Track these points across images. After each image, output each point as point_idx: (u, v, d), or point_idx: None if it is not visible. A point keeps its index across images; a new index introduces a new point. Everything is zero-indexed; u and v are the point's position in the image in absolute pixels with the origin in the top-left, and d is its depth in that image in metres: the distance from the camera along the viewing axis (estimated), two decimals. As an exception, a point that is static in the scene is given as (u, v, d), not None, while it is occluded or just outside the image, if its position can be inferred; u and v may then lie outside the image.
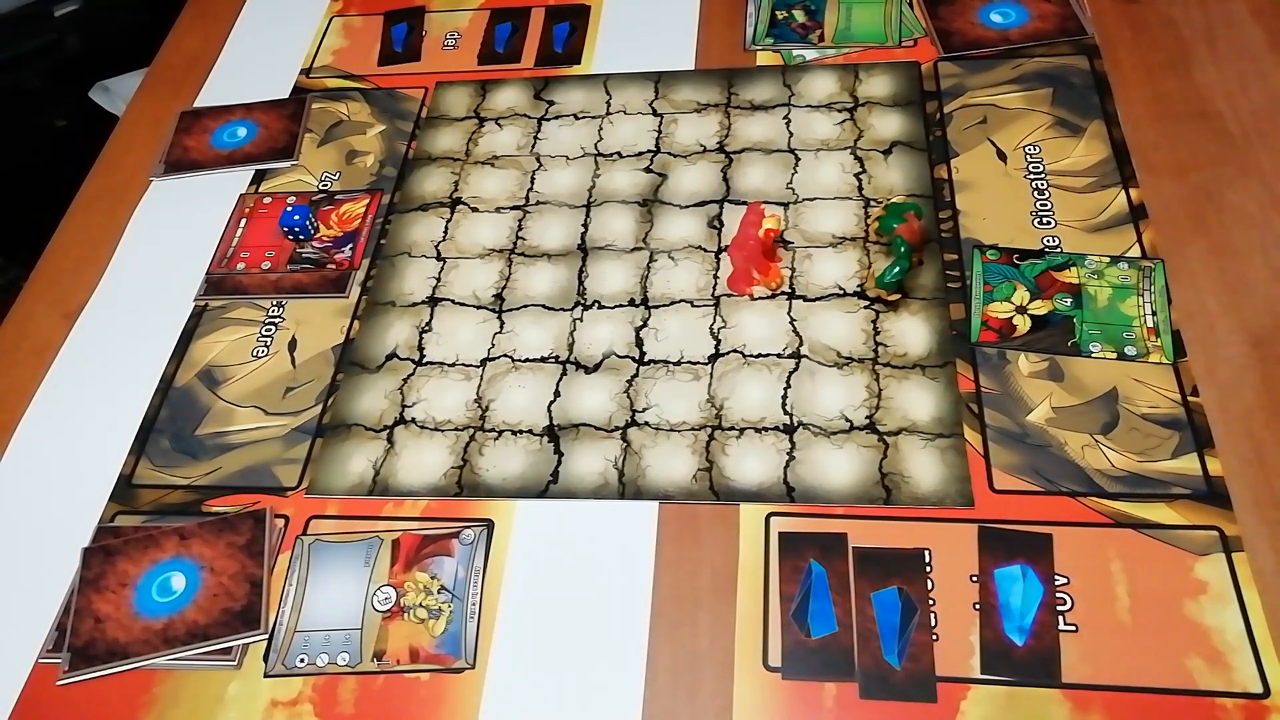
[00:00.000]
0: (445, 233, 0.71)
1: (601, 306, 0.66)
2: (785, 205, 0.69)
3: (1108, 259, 0.63)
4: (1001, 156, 0.69)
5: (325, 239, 0.72)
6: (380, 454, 0.60)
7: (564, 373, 0.63)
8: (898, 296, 0.63)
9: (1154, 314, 0.60)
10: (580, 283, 0.67)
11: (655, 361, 0.62)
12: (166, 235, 0.75)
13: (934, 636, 0.50)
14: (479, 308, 0.67)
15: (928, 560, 0.52)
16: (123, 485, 0.61)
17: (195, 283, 0.71)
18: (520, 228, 0.71)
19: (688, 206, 0.70)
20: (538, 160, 0.75)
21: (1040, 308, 0.61)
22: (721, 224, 0.69)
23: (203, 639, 0.54)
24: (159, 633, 0.54)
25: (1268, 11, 0.76)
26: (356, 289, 0.69)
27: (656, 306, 0.65)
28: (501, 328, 0.66)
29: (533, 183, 0.74)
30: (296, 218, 0.72)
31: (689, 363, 0.62)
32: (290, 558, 0.57)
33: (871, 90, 0.75)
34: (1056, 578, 0.51)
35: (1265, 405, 0.56)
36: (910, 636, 0.50)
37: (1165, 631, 0.49)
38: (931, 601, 0.51)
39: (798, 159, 0.72)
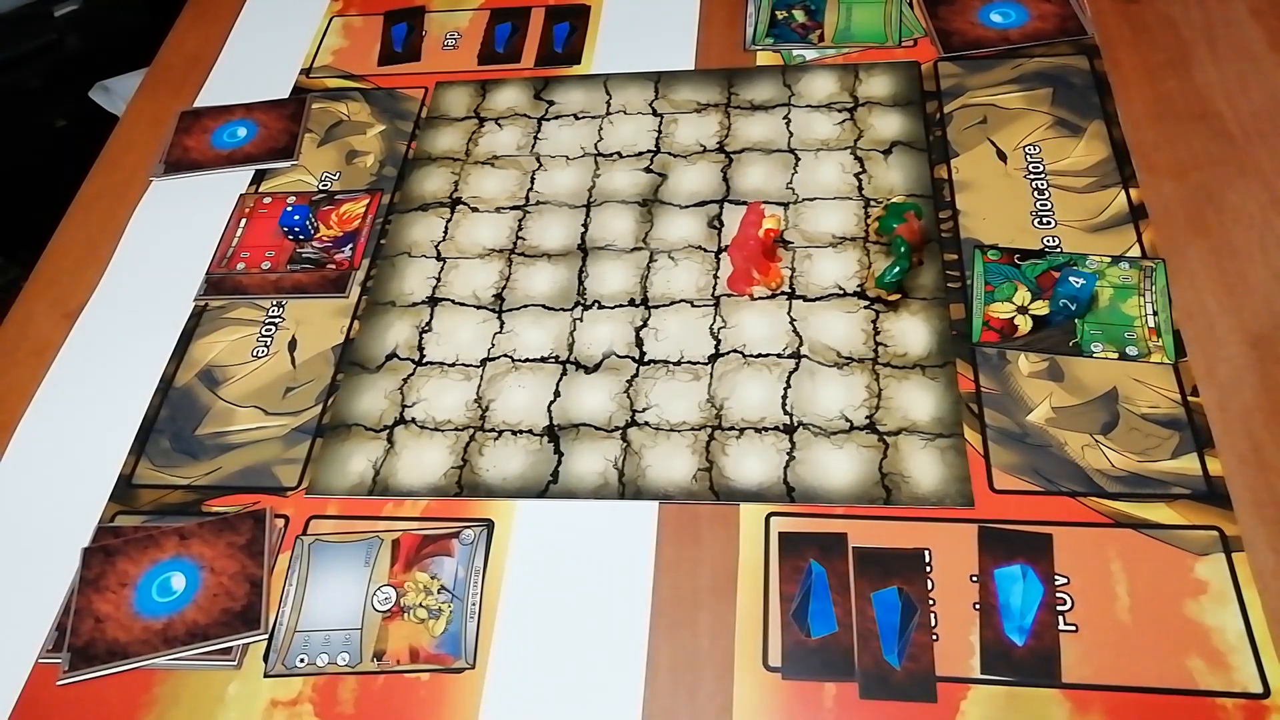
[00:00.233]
0: (445, 233, 0.71)
1: (601, 306, 0.66)
2: (785, 205, 0.69)
3: (1108, 259, 0.63)
4: (1001, 156, 0.69)
5: (325, 239, 0.72)
6: (380, 454, 0.60)
7: (564, 373, 0.63)
8: (898, 296, 0.63)
9: (1155, 314, 0.60)
10: (580, 283, 0.67)
11: (655, 361, 0.62)
12: (166, 235, 0.75)
13: (934, 636, 0.50)
14: (479, 308, 0.67)
15: (928, 560, 0.52)
16: (123, 485, 0.61)
17: (195, 283, 0.71)
18: (520, 228, 0.71)
19: (688, 206, 0.70)
20: (538, 160, 0.75)
21: (1041, 308, 0.61)
22: (721, 224, 0.69)
23: (203, 639, 0.54)
24: (159, 633, 0.54)
25: (1268, 11, 0.76)
26: (356, 289, 0.69)
27: (656, 306, 0.65)
28: (501, 328, 0.66)
29: (533, 183, 0.74)
30: (296, 218, 0.72)
31: (689, 363, 0.62)
32: (290, 558, 0.57)
33: (871, 90, 0.75)
34: (1056, 578, 0.51)
35: (1265, 405, 0.56)
36: (910, 636, 0.50)
37: (1165, 631, 0.49)
38: (931, 601, 0.51)
39: (798, 159, 0.72)
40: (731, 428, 0.59)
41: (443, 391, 0.63)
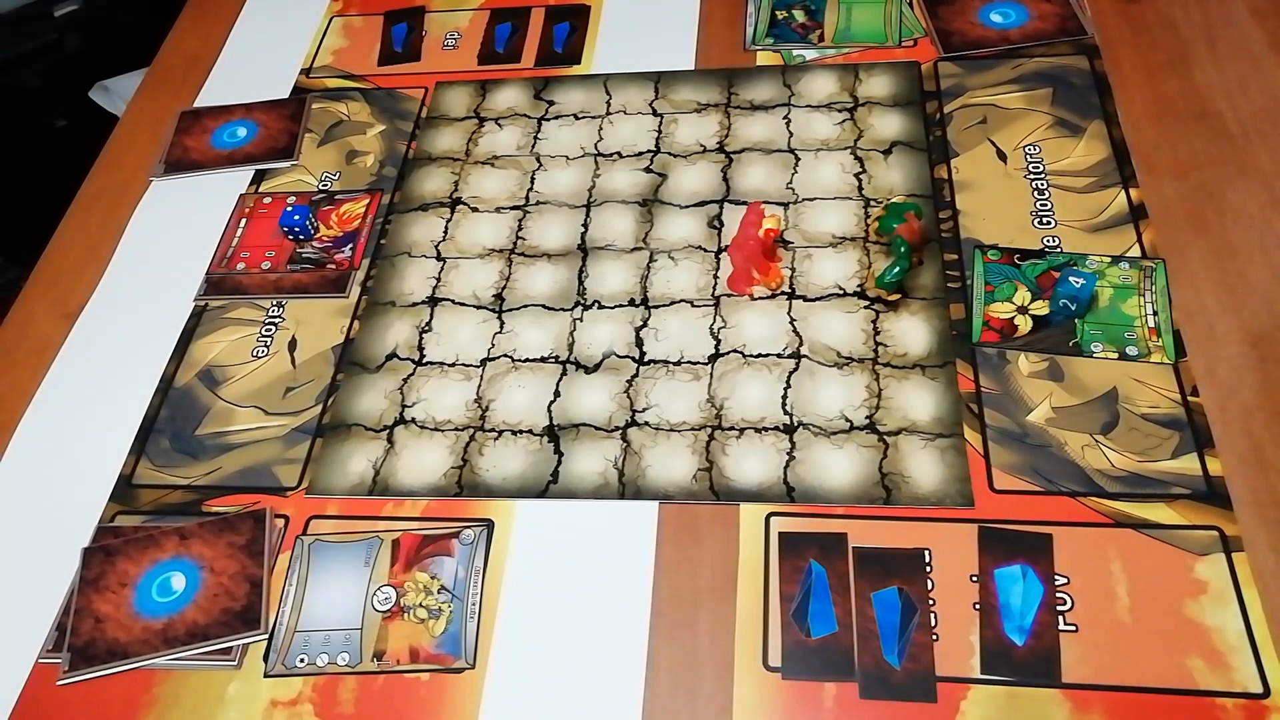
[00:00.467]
0: (445, 233, 0.71)
1: (601, 306, 0.66)
2: (785, 205, 0.69)
3: (1109, 259, 0.63)
4: (1001, 156, 0.69)
5: (325, 239, 0.72)
6: (380, 454, 0.60)
7: (564, 373, 0.63)
8: (898, 296, 0.63)
9: (1155, 314, 0.60)
10: (580, 283, 0.67)
11: (655, 361, 0.62)
12: (166, 235, 0.75)
13: (934, 636, 0.50)
14: (479, 308, 0.67)
15: (928, 560, 0.52)
16: (123, 485, 0.61)
17: (195, 283, 0.71)
18: (520, 228, 0.71)
19: (688, 206, 0.70)
20: (538, 160, 0.75)
21: (1041, 308, 0.61)
22: (721, 224, 0.69)
23: (203, 639, 0.54)
24: (159, 633, 0.54)
25: (1268, 11, 0.76)
26: (356, 289, 0.69)
27: (656, 306, 0.65)
28: (501, 328, 0.66)
29: (533, 183, 0.74)
30: (296, 218, 0.72)
31: (689, 363, 0.62)
32: (290, 558, 0.57)
33: (871, 90, 0.75)
34: (1056, 578, 0.51)
35: (1265, 405, 0.56)
36: (910, 636, 0.50)
37: (1165, 631, 0.49)
38: (931, 601, 0.51)
39: (798, 159, 0.72)
40: (731, 428, 0.59)
41: (443, 391, 0.63)
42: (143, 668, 0.54)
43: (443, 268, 0.69)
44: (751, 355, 0.62)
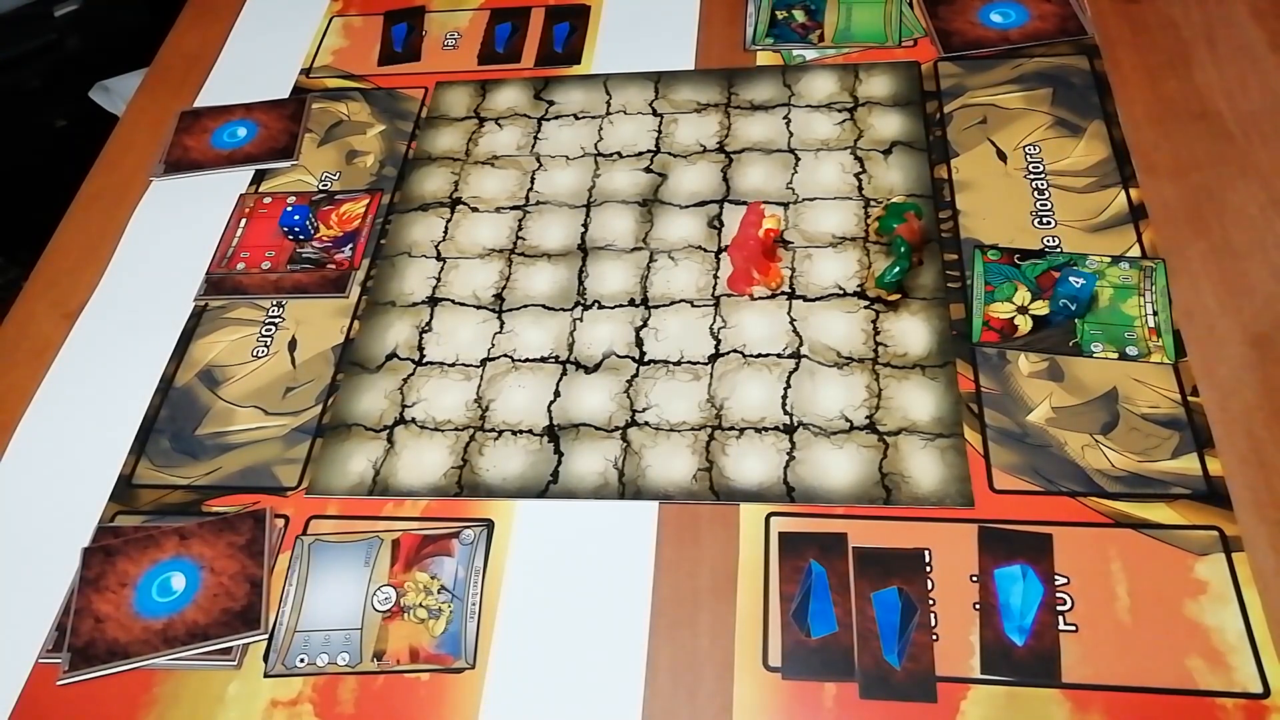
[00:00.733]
0: (445, 233, 0.71)
1: (601, 306, 0.66)
2: (785, 205, 0.69)
3: (1109, 259, 0.63)
4: (1001, 156, 0.69)
5: (325, 239, 0.72)
6: (380, 454, 0.60)
7: (564, 373, 0.63)
8: (898, 296, 0.63)
9: (1155, 314, 0.60)
10: (580, 283, 0.67)
11: (655, 361, 0.62)
12: (166, 235, 0.75)
13: (934, 636, 0.50)
14: (479, 308, 0.67)
15: (928, 560, 0.52)
16: (123, 485, 0.61)
17: (195, 283, 0.71)
18: (520, 228, 0.71)
19: (688, 206, 0.70)
20: (538, 160, 0.75)
21: (1041, 308, 0.61)
22: (721, 224, 0.69)
23: (203, 639, 0.54)
24: (159, 633, 0.54)
25: (1268, 11, 0.76)
26: (356, 289, 0.69)
27: (656, 306, 0.65)
28: (501, 328, 0.66)
29: (533, 183, 0.74)
30: (296, 218, 0.72)
31: (689, 363, 0.62)
32: (290, 558, 0.57)
33: (871, 90, 0.75)
34: (1056, 578, 0.51)
35: (1265, 405, 0.56)
36: (910, 636, 0.50)
37: (1165, 631, 0.49)
38: (931, 601, 0.51)
39: (798, 159, 0.72)
40: (731, 428, 0.59)
41: (443, 391, 0.63)
42: (143, 668, 0.54)
43: (443, 268, 0.69)
44: (751, 355, 0.62)
